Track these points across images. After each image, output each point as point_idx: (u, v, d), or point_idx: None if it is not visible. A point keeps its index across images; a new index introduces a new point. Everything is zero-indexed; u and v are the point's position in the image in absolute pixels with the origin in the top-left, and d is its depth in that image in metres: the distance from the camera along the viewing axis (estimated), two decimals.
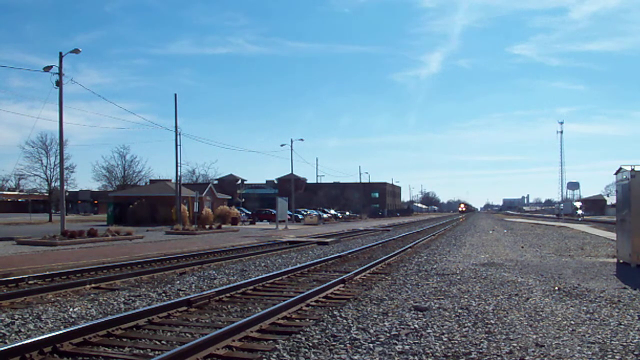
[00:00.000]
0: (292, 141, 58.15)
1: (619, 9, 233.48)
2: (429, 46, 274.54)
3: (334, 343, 6.00)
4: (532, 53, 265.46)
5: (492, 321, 7.07)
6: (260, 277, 11.14)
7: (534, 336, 6.28)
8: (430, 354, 5.55)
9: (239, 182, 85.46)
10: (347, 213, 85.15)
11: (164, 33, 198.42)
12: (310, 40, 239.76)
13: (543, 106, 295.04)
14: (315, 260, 14.86)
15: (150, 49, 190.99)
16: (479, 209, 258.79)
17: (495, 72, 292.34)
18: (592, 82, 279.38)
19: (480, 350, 5.67)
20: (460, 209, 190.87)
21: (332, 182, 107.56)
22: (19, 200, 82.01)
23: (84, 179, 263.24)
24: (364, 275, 12.03)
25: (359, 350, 5.71)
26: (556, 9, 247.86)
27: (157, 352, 5.65)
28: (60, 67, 25.60)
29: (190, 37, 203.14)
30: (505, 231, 34.76)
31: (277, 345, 5.93)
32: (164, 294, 9.65)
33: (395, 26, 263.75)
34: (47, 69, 25.30)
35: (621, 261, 14.19)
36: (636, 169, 13.13)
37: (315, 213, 62.78)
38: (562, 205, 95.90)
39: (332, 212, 77.89)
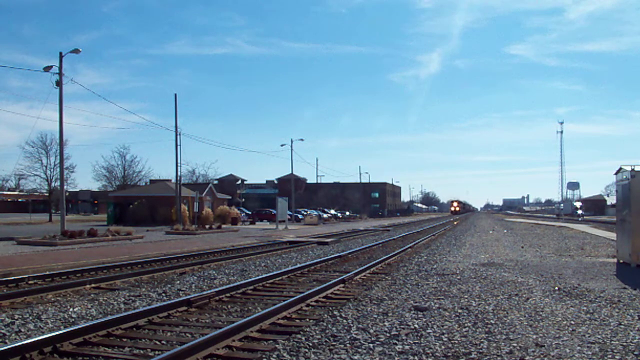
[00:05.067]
0: (292, 141, 58.23)
1: (615, 10, 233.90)
2: (427, 46, 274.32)
3: (334, 343, 6.00)
4: (530, 53, 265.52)
5: (492, 321, 7.07)
6: (260, 277, 11.14)
7: (534, 336, 6.28)
8: (430, 354, 5.55)
9: (239, 182, 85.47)
10: (347, 213, 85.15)
11: (162, 33, 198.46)
12: (308, 41, 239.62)
13: (541, 106, 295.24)
14: (315, 260, 14.86)
15: (148, 49, 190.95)
16: (479, 209, 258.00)
17: (493, 73, 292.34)
18: (590, 83, 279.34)
19: (480, 350, 5.67)
20: (452, 208, 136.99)
21: (332, 182, 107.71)
22: (19, 200, 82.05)
23: (84, 179, 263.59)
24: (364, 275, 12.03)
25: (359, 350, 5.71)
26: (552, 9, 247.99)
27: (157, 352, 5.65)
28: (60, 67, 25.62)
29: (187, 38, 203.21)
30: (505, 231, 34.76)
31: (277, 345, 5.93)
32: (164, 294, 9.65)
33: (392, 27, 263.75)
34: (47, 69, 25.33)
35: (621, 261, 14.19)
36: (636, 169, 13.13)
37: (315, 213, 62.82)
38: (562, 205, 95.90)
39: (332, 212, 77.91)
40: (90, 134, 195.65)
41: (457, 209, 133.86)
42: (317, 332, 6.54)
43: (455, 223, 54.90)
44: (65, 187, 34.72)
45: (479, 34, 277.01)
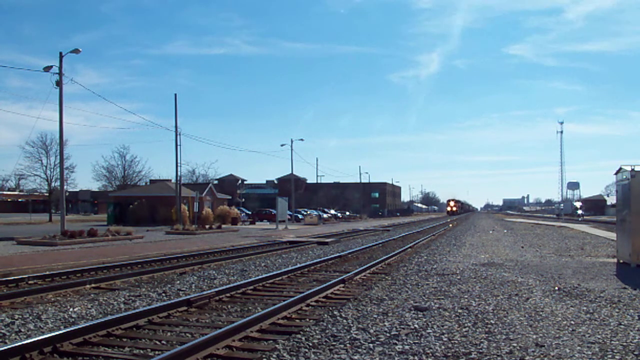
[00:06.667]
0: (292, 141, 58.23)
1: (613, 10, 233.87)
2: (427, 47, 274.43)
3: (334, 343, 6.00)
4: (529, 53, 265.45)
5: (492, 321, 7.07)
6: (260, 277, 11.14)
7: (534, 336, 6.28)
8: (430, 354, 5.55)
9: (239, 182, 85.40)
10: (347, 213, 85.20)
11: (161, 34, 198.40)
12: (306, 41, 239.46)
13: (541, 106, 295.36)
14: (315, 260, 14.85)
15: (147, 50, 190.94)
16: (479, 209, 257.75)
17: (492, 73, 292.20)
18: (589, 82, 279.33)
19: (480, 350, 5.67)
20: (449, 208, 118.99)
21: (332, 182, 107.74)
22: (19, 200, 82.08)
23: (84, 179, 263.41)
24: (364, 275, 12.03)
25: (359, 350, 5.71)
26: (551, 9, 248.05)
27: (157, 352, 5.65)
28: (60, 67, 25.61)
29: (186, 38, 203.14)
30: (505, 231, 34.76)
31: (277, 345, 5.93)
32: (164, 294, 9.65)
33: (392, 27, 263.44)
34: (47, 69, 25.31)
35: (621, 261, 14.19)
36: (636, 169, 13.13)
37: (315, 213, 62.80)
38: (562, 205, 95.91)
39: (332, 212, 77.94)
40: (90, 134, 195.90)
41: (454, 209, 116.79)
42: (317, 332, 6.54)
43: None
44: (65, 187, 34.72)
45: (478, 34, 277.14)
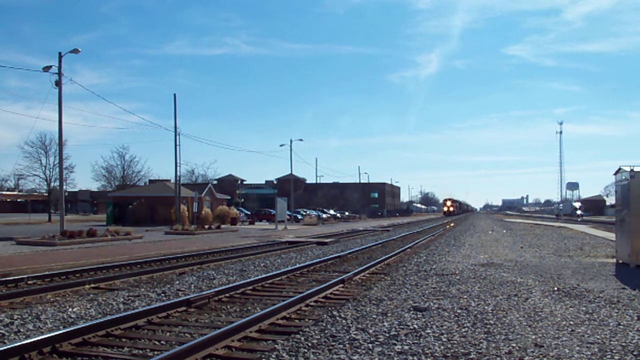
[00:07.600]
0: (291, 141, 58.29)
1: (612, 10, 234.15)
2: (426, 47, 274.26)
3: (333, 343, 6.00)
4: (527, 54, 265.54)
5: (491, 321, 7.08)
6: (259, 277, 11.14)
7: (533, 336, 6.29)
8: (430, 354, 5.55)
9: (239, 182, 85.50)
10: (347, 213, 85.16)
11: (160, 34, 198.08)
12: (306, 41, 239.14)
13: (540, 107, 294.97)
14: (315, 261, 14.86)
15: (147, 50, 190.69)
16: (478, 209, 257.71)
17: (491, 73, 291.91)
18: (588, 83, 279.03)
19: (480, 351, 5.67)
20: (446, 208, 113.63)
21: (331, 182, 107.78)
22: (19, 200, 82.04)
23: (83, 179, 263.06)
24: (363, 276, 12.04)
25: (358, 350, 5.71)
26: (550, 10, 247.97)
27: (156, 352, 5.64)
28: (59, 67, 25.62)
29: (186, 38, 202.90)
30: (505, 231, 34.77)
31: (276, 346, 5.93)
32: (163, 294, 9.64)
33: (391, 27, 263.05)
34: (47, 69, 25.33)
35: (620, 261, 14.20)
36: (635, 169, 13.15)
37: (315, 213, 62.85)
38: (561, 205, 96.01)
39: (332, 212, 77.95)
40: (89, 134, 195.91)
41: (452, 209, 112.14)
42: (317, 332, 6.54)
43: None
44: (64, 187, 34.71)
45: (477, 34, 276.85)
